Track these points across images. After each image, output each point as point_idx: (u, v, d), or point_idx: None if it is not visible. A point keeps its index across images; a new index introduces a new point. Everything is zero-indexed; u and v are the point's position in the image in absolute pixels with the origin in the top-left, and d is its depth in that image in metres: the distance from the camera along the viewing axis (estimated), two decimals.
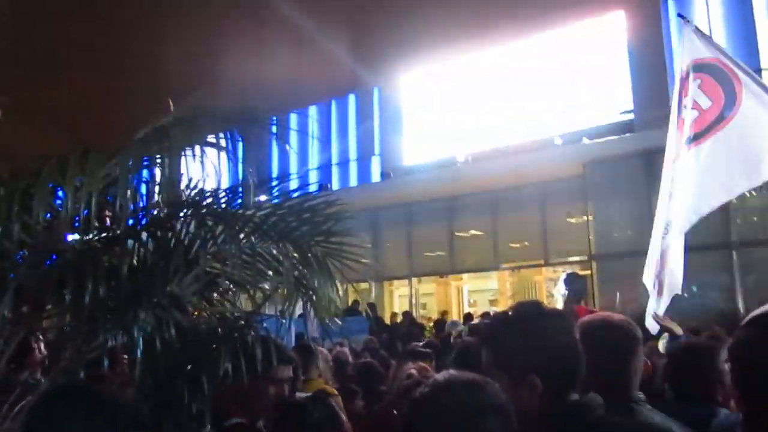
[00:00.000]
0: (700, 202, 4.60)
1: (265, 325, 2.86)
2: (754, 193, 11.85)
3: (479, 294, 18.56)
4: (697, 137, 4.70)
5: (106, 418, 1.60)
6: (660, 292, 4.71)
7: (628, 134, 13.04)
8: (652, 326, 4.56)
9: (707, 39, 5.11)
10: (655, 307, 4.66)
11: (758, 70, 11.18)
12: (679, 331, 4.36)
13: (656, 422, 1.99)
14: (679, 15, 5.37)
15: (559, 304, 8.71)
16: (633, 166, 12.57)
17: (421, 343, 6.11)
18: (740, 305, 11.05)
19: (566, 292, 5.79)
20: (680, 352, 3.24)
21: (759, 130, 4.50)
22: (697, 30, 5.11)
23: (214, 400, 2.49)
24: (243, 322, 2.67)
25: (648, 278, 4.81)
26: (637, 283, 12.49)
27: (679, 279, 4.77)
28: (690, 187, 4.63)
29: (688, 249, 12.41)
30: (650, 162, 12.39)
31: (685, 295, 12.16)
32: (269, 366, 2.57)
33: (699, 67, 4.89)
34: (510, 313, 1.93)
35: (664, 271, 4.68)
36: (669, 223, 4.73)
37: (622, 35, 13.71)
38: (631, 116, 13.36)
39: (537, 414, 1.74)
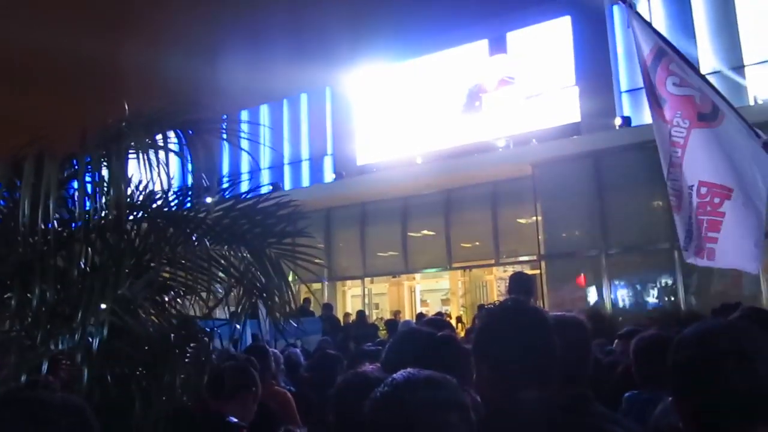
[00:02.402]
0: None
1: (218, 329, 2.84)
2: None
3: (431, 294, 18.72)
4: (712, 117, 4.65)
5: (44, 422, 1.56)
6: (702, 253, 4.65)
7: (575, 136, 13.36)
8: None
9: (652, 28, 5.19)
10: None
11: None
12: None
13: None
14: (627, 2, 5.25)
15: None
16: (580, 168, 12.89)
17: (373, 344, 6.11)
18: (682, 304, 11.45)
19: (514, 292, 5.87)
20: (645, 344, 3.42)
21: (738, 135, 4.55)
22: (642, 17, 5.16)
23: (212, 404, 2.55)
24: (201, 331, 2.64)
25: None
26: (584, 282, 12.92)
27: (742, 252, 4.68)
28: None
29: (632, 249, 12.64)
30: (597, 164, 12.75)
31: (629, 294, 12.53)
32: None
33: (664, 50, 4.90)
34: (495, 305, 2.03)
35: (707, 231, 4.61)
36: (693, 186, 4.66)
37: (568, 40, 14.02)
38: (578, 119, 13.68)
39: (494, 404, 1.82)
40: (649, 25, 5.21)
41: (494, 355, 1.93)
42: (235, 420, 3.06)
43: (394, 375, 1.70)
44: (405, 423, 1.55)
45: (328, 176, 17.16)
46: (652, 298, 12.26)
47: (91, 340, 2.27)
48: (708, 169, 4.69)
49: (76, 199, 2.68)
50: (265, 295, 2.68)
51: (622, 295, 12.67)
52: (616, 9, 13.60)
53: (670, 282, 11.87)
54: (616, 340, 4.96)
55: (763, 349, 1.57)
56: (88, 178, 2.54)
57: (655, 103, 4.88)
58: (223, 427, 2.96)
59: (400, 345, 2.66)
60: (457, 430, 1.55)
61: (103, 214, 2.68)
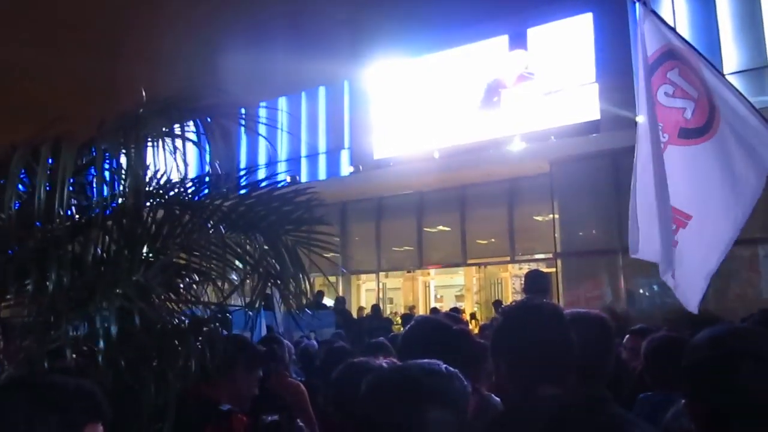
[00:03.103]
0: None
1: (231, 316, 2.85)
2: None
3: (446, 289, 18.70)
4: (701, 132, 4.44)
5: (55, 407, 1.57)
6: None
7: (594, 134, 13.24)
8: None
9: (668, 26, 5.04)
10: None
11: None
12: None
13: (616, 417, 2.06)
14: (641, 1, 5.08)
15: None
16: (599, 166, 12.78)
17: (386, 338, 6.10)
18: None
19: (530, 289, 5.87)
20: (656, 346, 3.42)
21: (742, 129, 4.35)
22: (658, 16, 5.01)
23: (204, 388, 2.54)
24: (214, 317, 2.65)
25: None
26: (600, 281, 12.84)
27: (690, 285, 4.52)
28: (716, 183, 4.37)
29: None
30: (616, 162, 12.63)
31: (645, 294, 12.41)
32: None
33: (670, 54, 4.74)
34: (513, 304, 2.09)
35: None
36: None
37: (590, 37, 13.89)
38: (598, 117, 13.56)
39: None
40: (664, 23, 5.06)
41: (511, 352, 1.95)
42: (228, 407, 2.88)
43: (403, 363, 1.71)
44: (388, 405, 1.55)
45: (345, 170, 17.17)
46: (668, 298, 12.13)
47: (105, 324, 2.28)
48: (673, 191, 4.47)
49: (94, 185, 2.70)
50: (280, 283, 2.68)
51: (638, 295, 12.56)
52: (638, 6, 13.43)
53: None
54: (627, 336, 4.92)
55: None
56: (106, 165, 2.55)
57: (649, 105, 4.66)
58: (213, 416, 2.80)
59: (414, 331, 2.68)
60: (437, 425, 1.52)
61: (120, 201, 2.70)
